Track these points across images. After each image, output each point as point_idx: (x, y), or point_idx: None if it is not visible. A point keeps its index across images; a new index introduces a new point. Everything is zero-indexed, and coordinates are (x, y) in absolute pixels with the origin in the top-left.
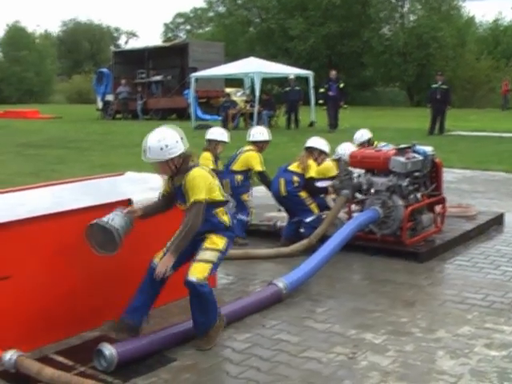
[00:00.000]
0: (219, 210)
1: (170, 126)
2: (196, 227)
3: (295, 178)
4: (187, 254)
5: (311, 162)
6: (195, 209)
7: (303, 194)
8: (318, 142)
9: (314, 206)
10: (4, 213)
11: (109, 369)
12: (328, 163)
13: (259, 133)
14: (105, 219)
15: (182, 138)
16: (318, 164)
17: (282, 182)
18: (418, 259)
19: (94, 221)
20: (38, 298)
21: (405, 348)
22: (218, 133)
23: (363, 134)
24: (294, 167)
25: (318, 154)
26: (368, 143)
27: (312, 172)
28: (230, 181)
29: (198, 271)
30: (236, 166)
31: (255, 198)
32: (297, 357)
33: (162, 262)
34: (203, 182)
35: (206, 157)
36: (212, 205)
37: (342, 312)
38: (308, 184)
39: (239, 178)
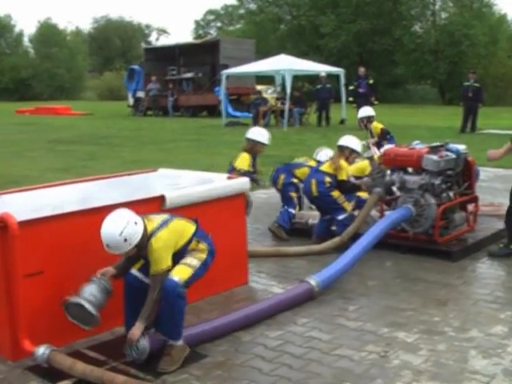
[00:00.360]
0: (192, 244)
1: (120, 211)
2: (158, 295)
3: (327, 179)
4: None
5: (343, 163)
6: (157, 279)
7: (335, 194)
8: (349, 140)
9: (346, 204)
10: (36, 209)
11: None
12: (363, 162)
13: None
14: (72, 297)
15: (136, 220)
16: (350, 163)
17: (314, 182)
18: (451, 258)
19: (66, 301)
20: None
21: (437, 347)
22: (256, 133)
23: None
24: (326, 167)
25: (349, 153)
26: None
27: (344, 174)
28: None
29: (177, 272)
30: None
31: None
32: (329, 354)
33: (133, 333)
34: (165, 252)
35: (244, 157)
36: (184, 247)
37: (374, 310)
38: (341, 186)
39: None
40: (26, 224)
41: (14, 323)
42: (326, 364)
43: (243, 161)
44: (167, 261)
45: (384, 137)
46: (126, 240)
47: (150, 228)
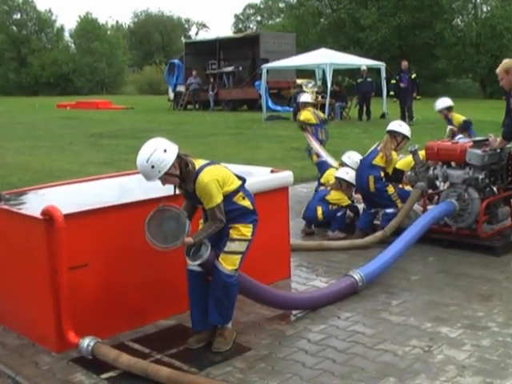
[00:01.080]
0: (238, 196)
1: (151, 140)
2: (222, 224)
3: (382, 174)
4: (211, 240)
5: (394, 156)
6: (215, 212)
7: (390, 190)
8: (400, 126)
9: (399, 202)
10: (80, 202)
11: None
12: (408, 158)
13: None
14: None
15: (167, 147)
16: (399, 149)
17: (372, 179)
18: (494, 253)
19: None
20: (114, 286)
21: (481, 342)
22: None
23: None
24: (378, 161)
25: (401, 139)
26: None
27: (391, 168)
28: None
29: (228, 263)
30: None
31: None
32: (372, 349)
33: (186, 243)
34: (215, 186)
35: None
36: (229, 195)
37: (417, 305)
38: (390, 177)
39: None
40: (71, 217)
41: (59, 315)
42: (369, 358)
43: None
44: (218, 195)
45: (465, 128)
46: (153, 167)
47: (197, 164)
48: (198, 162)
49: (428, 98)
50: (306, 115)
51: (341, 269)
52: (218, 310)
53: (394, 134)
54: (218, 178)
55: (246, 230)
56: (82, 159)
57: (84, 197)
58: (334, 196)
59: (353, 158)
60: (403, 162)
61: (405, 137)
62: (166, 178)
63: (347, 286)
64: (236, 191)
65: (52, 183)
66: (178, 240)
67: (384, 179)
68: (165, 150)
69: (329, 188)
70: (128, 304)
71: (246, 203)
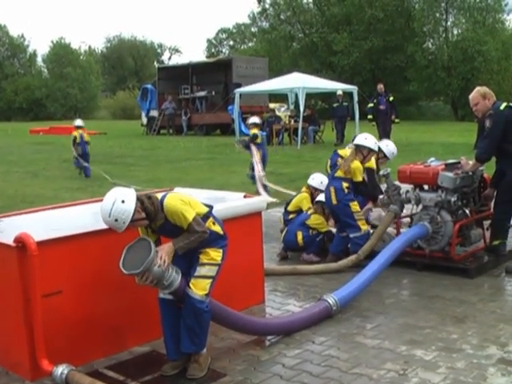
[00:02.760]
0: (209, 222)
1: (108, 193)
2: (205, 235)
3: (345, 184)
4: (182, 268)
5: (354, 164)
6: (194, 227)
7: (354, 207)
8: (366, 139)
9: (362, 223)
10: (52, 229)
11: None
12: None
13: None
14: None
15: (124, 197)
16: (366, 162)
17: (333, 190)
18: (468, 275)
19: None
20: (88, 313)
21: (456, 365)
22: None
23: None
24: (339, 173)
25: (367, 152)
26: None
27: (359, 175)
28: None
29: (199, 288)
30: None
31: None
32: (347, 373)
33: (163, 249)
34: (182, 204)
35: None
36: (202, 219)
37: (392, 328)
38: (359, 188)
39: None
40: (44, 244)
41: (32, 342)
42: (344, 382)
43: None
44: (189, 210)
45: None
46: (116, 220)
47: (158, 196)
48: (159, 194)
49: (400, 121)
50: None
51: (315, 293)
52: (190, 338)
53: (359, 148)
54: (182, 199)
55: (215, 255)
56: (55, 185)
57: (57, 223)
58: (315, 220)
59: (316, 179)
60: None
61: (371, 150)
62: (134, 225)
63: (321, 311)
64: (206, 216)
65: (25, 210)
66: (144, 264)
67: (351, 192)
68: (123, 201)
69: (309, 212)
70: (102, 331)
71: (217, 228)
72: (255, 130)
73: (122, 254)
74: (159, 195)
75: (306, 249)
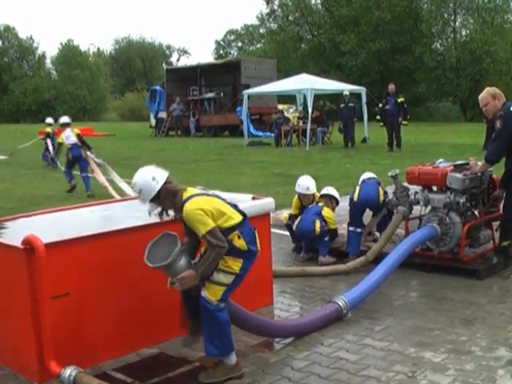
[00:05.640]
0: (233, 235)
1: (150, 166)
2: (224, 249)
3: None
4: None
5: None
6: (210, 239)
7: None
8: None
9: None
10: (62, 231)
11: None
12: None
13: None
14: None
15: (157, 177)
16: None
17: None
18: (477, 276)
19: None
20: (96, 315)
21: (465, 367)
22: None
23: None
24: (326, 213)
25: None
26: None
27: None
28: None
29: (211, 293)
30: None
31: None
32: (356, 375)
33: (188, 276)
34: (200, 215)
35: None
36: (223, 232)
37: (401, 330)
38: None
39: None
40: (52, 246)
41: (40, 344)
42: None
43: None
44: (207, 221)
45: None
46: (140, 192)
47: (185, 194)
48: (188, 192)
49: (409, 122)
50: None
51: (323, 295)
52: (210, 338)
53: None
54: (204, 207)
55: (233, 264)
56: (64, 187)
57: (66, 225)
58: (328, 214)
59: (302, 184)
60: None
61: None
62: (157, 206)
63: (332, 313)
64: (231, 229)
65: (34, 211)
66: (168, 259)
67: None
68: (153, 178)
69: (320, 204)
70: (110, 333)
71: (240, 243)
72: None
73: (145, 248)
74: (189, 192)
75: (318, 240)
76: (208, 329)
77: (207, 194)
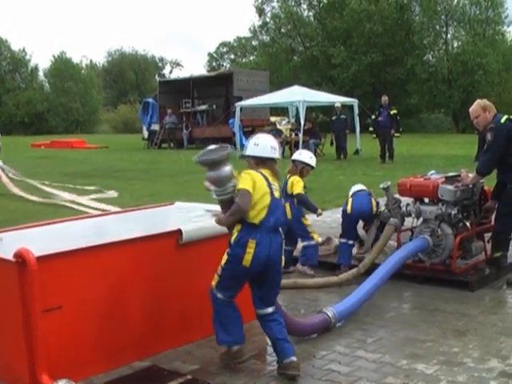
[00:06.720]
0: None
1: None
2: (242, 207)
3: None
4: None
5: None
6: (239, 194)
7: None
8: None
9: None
10: (53, 244)
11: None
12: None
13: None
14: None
15: (262, 145)
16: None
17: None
18: (469, 288)
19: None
20: (88, 328)
21: (457, 378)
22: (306, 155)
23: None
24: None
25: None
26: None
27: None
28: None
29: (214, 277)
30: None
31: None
32: None
33: (219, 217)
34: (248, 180)
35: (299, 181)
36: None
37: (393, 342)
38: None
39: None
40: (44, 259)
41: (32, 358)
42: None
43: (299, 184)
44: (248, 185)
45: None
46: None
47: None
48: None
49: (402, 134)
50: None
51: (316, 307)
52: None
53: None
54: (254, 183)
55: (223, 257)
56: (56, 199)
57: (58, 238)
58: (293, 180)
59: (304, 153)
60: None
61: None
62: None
63: (321, 322)
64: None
65: (26, 224)
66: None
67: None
68: (257, 143)
69: (288, 176)
70: (102, 346)
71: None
72: None
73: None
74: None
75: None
76: (215, 319)
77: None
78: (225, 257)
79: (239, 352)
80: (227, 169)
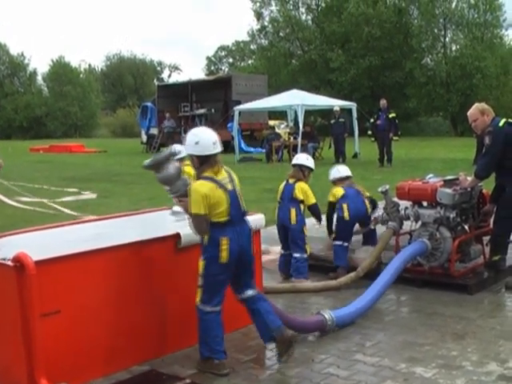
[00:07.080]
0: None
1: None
2: (199, 233)
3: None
4: None
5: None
6: (192, 219)
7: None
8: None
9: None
10: (52, 248)
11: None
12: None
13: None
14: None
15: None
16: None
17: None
18: (467, 291)
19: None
20: (87, 332)
21: (456, 382)
22: (303, 158)
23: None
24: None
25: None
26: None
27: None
28: None
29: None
30: None
31: None
32: None
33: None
34: (195, 199)
35: (308, 188)
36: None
37: (392, 345)
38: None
39: None
40: (42, 263)
41: (31, 362)
42: None
43: (312, 194)
44: (196, 207)
45: None
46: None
47: (191, 174)
48: (210, 172)
49: (400, 137)
50: None
51: (315, 310)
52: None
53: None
54: (206, 194)
55: (200, 265)
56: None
57: (57, 242)
58: (303, 187)
59: (301, 157)
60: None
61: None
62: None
63: (316, 322)
64: (217, 226)
65: (24, 229)
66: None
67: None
68: (196, 143)
69: (291, 181)
70: (101, 350)
71: (205, 240)
72: None
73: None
74: (210, 174)
75: (293, 234)
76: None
77: (217, 184)
78: (201, 264)
79: (220, 365)
80: (171, 167)
